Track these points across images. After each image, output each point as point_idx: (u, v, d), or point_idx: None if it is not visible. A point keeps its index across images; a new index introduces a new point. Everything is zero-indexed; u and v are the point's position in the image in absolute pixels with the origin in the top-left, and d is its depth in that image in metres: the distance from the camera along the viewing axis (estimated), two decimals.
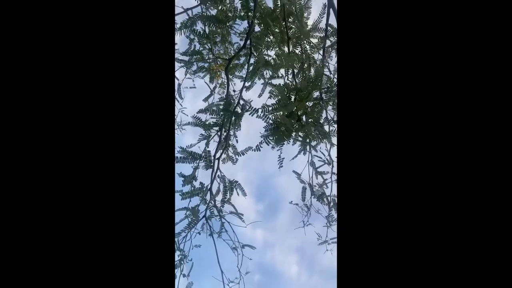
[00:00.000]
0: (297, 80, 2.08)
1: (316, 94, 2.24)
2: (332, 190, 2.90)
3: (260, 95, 2.72)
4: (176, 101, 3.02)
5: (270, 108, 1.97)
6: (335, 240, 3.12)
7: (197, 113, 2.34)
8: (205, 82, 2.95)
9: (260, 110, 2.03)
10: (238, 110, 2.25)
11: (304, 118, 2.21)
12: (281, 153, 2.09)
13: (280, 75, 2.48)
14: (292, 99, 1.92)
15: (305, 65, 2.09)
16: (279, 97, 1.91)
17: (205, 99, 2.92)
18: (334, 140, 2.58)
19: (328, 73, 2.45)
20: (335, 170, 2.84)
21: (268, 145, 2.09)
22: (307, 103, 2.14)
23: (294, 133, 1.96)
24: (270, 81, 2.55)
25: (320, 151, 2.62)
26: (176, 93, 3.05)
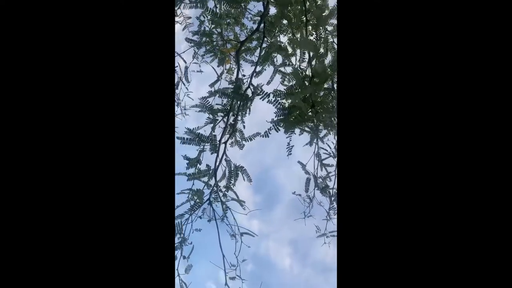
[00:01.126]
0: (312, 65, 2.02)
1: (327, 84, 2.19)
2: (335, 183, 2.87)
3: (269, 82, 2.66)
4: (182, 85, 2.95)
5: (283, 93, 1.91)
6: (334, 233, 3.11)
7: (207, 96, 2.27)
8: (212, 67, 2.87)
9: (271, 95, 1.97)
10: (249, 93, 2.19)
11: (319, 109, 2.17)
12: (290, 140, 2.05)
13: (291, 63, 2.42)
14: (307, 84, 1.87)
15: (322, 50, 2.03)
16: (294, 81, 1.85)
17: (212, 85, 2.85)
18: None
19: None
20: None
21: (278, 131, 2.04)
22: (317, 92, 2.09)
23: (306, 118, 1.91)
24: (280, 69, 2.49)
25: (326, 143, 2.58)
26: (182, 76, 2.97)
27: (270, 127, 2.03)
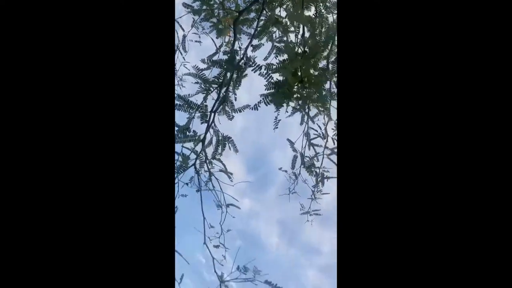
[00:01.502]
0: (306, 38, 2.01)
1: (323, 63, 2.19)
2: (322, 163, 2.94)
3: (266, 58, 2.64)
4: (179, 54, 2.92)
5: (274, 67, 1.92)
6: (317, 212, 3.22)
7: (204, 68, 2.26)
8: (212, 39, 2.83)
9: (263, 67, 1.98)
10: (242, 65, 2.19)
11: (307, 85, 2.18)
12: (278, 114, 2.08)
13: (289, 40, 2.39)
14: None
15: (317, 26, 2.01)
16: (285, 54, 1.86)
17: (210, 57, 2.82)
18: (333, 114, 2.58)
19: None
20: (328, 144, 2.86)
21: (267, 105, 2.06)
22: (312, 71, 2.09)
23: (295, 95, 1.93)
24: (277, 45, 2.47)
25: (317, 123, 2.62)
26: (180, 44, 2.94)
27: (260, 100, 2.06)
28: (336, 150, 2.82)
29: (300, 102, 2.32)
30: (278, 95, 1.90)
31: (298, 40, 2.03)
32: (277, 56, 2.06)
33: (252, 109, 2.11)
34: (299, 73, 1.84)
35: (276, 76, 2.02)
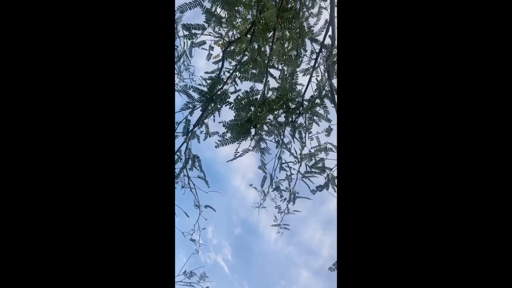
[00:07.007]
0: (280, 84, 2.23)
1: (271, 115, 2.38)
2: (295, 185, 3.18)
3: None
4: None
5: (237, 106, 2.18)
6: (288, 226, 3.51)
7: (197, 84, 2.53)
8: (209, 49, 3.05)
9: (232, 104, 2.25)
10: (228, 89, 2.43)
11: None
12: (238, 146, 2.35)
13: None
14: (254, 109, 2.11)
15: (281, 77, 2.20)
16: (240, 104, 2.11)
17: (211, 72, 3.04)
18: (308, 142, 2.79)
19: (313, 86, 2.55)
20: (302, 169, 3.09)
21: (231, 135, 2.34)
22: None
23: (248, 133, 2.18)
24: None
25: (289, 151, 2.84)
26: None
27: (226, 130, 2.34)
28: (307, 174, 3.05)
29: (275, 130, 2.57)
30: (237, 130, 2.17)
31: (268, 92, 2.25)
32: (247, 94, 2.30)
33: (219, 136, 2.39)
34: (252, 119, 2.09)
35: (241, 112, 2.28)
